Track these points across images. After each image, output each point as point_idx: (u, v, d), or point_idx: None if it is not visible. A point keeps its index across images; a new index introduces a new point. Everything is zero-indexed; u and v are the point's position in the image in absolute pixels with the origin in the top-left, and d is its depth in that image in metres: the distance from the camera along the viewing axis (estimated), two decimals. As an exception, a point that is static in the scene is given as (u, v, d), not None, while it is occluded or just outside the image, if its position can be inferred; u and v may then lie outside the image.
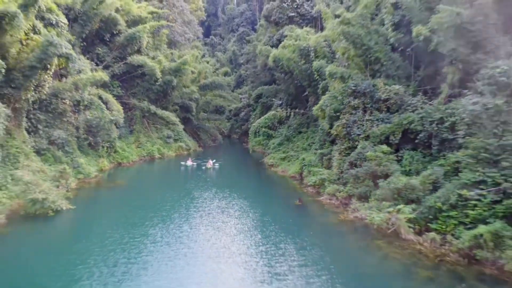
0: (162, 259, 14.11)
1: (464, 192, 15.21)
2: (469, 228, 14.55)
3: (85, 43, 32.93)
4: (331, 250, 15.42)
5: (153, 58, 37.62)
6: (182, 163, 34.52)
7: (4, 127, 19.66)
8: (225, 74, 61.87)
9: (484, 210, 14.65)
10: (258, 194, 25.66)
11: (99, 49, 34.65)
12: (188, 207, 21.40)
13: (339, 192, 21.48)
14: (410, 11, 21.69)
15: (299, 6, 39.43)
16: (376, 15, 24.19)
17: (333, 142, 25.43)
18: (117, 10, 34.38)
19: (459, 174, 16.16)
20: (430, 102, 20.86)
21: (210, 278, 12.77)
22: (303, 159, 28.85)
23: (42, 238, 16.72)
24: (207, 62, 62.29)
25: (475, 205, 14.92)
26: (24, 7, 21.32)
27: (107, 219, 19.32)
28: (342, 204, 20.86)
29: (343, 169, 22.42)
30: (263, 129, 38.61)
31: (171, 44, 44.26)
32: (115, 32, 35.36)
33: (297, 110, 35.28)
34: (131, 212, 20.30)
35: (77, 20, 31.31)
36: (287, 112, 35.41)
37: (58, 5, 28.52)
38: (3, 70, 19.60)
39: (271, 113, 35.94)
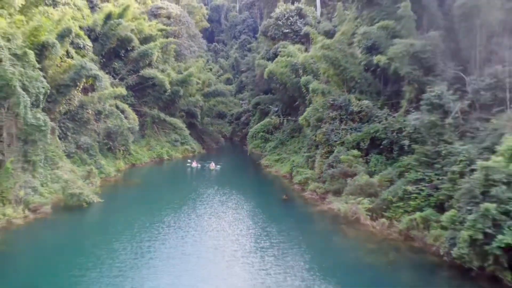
0: (175, 239, 18.79)
1: (408, 187, 19.77)
2: (410, 215, 19.09)
3: (104, 59, 37.68)
4: (305, 232, 20.02)
5: (162, 71, 42.34)
6: (188, 164, 39.12)
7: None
8: (227, 80, 66.47)
9: (422, 201, 19.14)
10: (253, 191, 30.27)
11: (116, 64, 39.44)
12: (194, 201, 26.04)
13: (319, 188, 26.02)
14: (378, 39, 26.19)
15: (292, 24, 43.95)
16: (352, 42, 28.61)
17: (317, 147, 29.96)
18: (131, 30, 39.13)
19: (406, 173, 20.71)
20: (394, 115, 25.35)
21: (211, 250, 17.38)
22: (293, 161, 33.41)
23: (82, 223, 21.46)
24: (211, 69, 66.90)
25: (416, 197, 19.41)
26: (61, 37, 26.07)
27: (130, 209, 24.02)
28: (321, 198, 25.39)
29: (323, 170, 26.93)
30: (261, 133, 43.25)
31: (178, 56, 49.00)
32: (129, 49, 40.14)
33: (290, 117, 39.88)
34: (148, 204, 24.98)
35: (97, 39, 36.05)
36: (280, 119, 40.06)
37: (81, 28, 33.31)
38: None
39: (266, 120, 40.59)
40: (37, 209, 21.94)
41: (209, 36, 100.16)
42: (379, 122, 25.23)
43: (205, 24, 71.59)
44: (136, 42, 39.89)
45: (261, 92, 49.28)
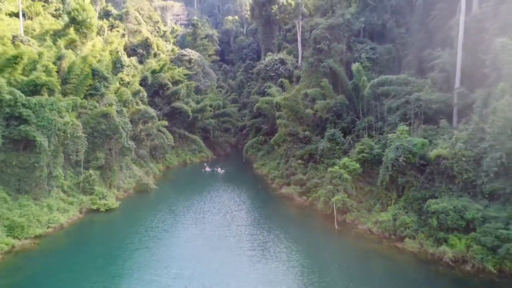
0: (199, 203, 38.40)
1: (317, 181, 38.86)
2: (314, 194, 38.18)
3: (150, 97, 57.56)
4: (265, 203, 39.37)
5: (186, 103, 61.99)
6: (203, 170, 58.27)
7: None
8: (233, 99, 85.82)
9: (321, 188, 38.26)
10: (243, 184, 49.60)
11: (156, 99, 59.34)
12: (208, 188, 45.61)
13: (279, 182, 45.30)
14: (315, 96, 45.20)
15: (276, 69, 63.07)
16: (303, 96, 47.56)
17: (281, 157, 49.21)
18: (167, 78, 59.04)
19: (318, 173, 39.81)
20: (320, 140, 44.41)
21: (217, 206, 36.85)
22: (271, 165, 52.68)
23: (150, 199, 41.28)
24: (221, 90, 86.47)
25: (319, 186, 38.53)
26: (134, 95, 45.85)
27: (173, 192, 43.74)
28: (280, 187, 44.62)
29: (283, 171, 46.26)
30: (254, 145, 62.50)
31: (197, 91, 68.61)
32: (165, 89, 60.01)
33: (272, 136, 59.04)
34: (182, 190, 44.63)
35: (146, 86, 55.91)
36: (265, 138, 59.34)
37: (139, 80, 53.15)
38: (127, 126, 44.16)
39: (255, 138, 60.00)
40: (126, 191, 41.80)
41: (220, 55, 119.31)
42: (314, 144, 44.34)
43: (215, 58, 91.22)
44: (169, 85, 59.73)
45: (256, 115, 68.56)
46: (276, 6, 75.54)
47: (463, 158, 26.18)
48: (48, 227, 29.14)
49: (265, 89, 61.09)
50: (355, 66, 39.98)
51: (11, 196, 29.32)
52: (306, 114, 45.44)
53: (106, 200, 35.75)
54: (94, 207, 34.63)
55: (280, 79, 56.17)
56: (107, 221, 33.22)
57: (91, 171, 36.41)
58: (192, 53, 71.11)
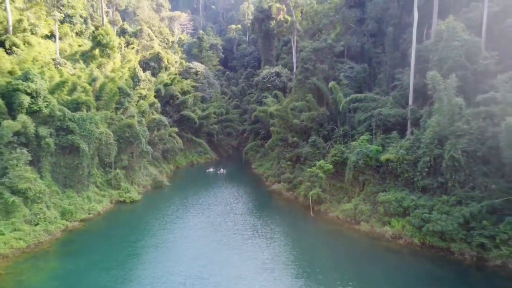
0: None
1: (302, 178, 47.40)
2: (299, 190, 46.71)
3: (162, 106, 66.36)
4: (258, 196, 48.00)
5: (193, 111, 70.74)
6: (207, 170, 66.91)
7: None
8: (235, 104, 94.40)
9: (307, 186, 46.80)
10: (242, 182, 58.25)
11: (167, 108, 68.15)
12: (212, 186, 54.32)
13: (272, 180, 53.90)
14: (302, 108, 53.64)
15: (273, 81, 71.59)
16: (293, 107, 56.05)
17: (274, 159, 57.80)
18: (177, 90, 67.91)
19: (303, 172, 48.35)
20: (306, 144, 52.91)
21: (220, 195, 45.57)
22: (266, 166, 61.27)
23: (165, 193, 50.08)
24: (224, 97, 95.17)
25: (302, 184, 47.07)
26: (150, 106, 54.69)
27: (183, 188, 52.51)
28: (272, 184, 53.20)
29: (275, 170, 54.84)
30: (254, 147, 71.08)
31: (203, 100, 77.48)
32: (175, 99, 68.81)
33: (267, 140, 67.57)
34: (190, 187, 53.37)
35: (160, 96, 64.74)
36: (262, 142, 67.90)
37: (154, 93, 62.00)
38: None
39: (253, 143, 68.60)
40: (145, 187, 50.60)
41: (224, 62, 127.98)
42: (300, 148, 52.83)
43: (219, 67, 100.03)
44: (179, 95, 68.53)
45: (255, 121, 77.20)
46: (274, 21, 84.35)
47: (405, 161, 34.66)
48: (89, 213, 37.99)
49: (262, 99, 69.67)
50: (331, 84, 48.52)
51: (60, 190, 38.17)
52: (294, 123, 53.94)
53: (130, 194, 44.54)
54: (121, 199, 43.46)
55: (275, 92, 64.66)
56: (132, 210, 42.02)
57: (117, 171, 45.23)
58: (198, 66, 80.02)
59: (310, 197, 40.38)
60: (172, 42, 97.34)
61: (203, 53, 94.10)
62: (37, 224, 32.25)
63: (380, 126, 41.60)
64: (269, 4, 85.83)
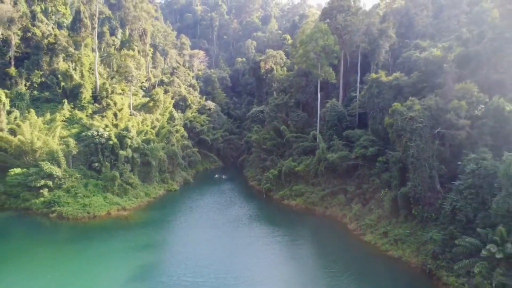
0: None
1: (264, 178, 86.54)
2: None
3: (188, 134, 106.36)
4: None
5: (207, 136, 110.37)
6: (215, 176, 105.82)
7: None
8: (238, 125, 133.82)
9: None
10: (235, 183, 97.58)
11: (191, 134, 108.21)
12: (218, 184, 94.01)
13: (252, 179, 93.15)
14: (269, 137, 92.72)
15: (258, 115, 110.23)
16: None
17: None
18: (197, 122, 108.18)
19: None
20: (269, 159, 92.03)
21: (220, 190, 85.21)
22: (252, 171, 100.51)
23: (191, 187, 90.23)
24: (229, 120, 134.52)
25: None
26: (182, 136, 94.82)
27: (201, 185, 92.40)
28: (252, 181, 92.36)
29: (254, 174, 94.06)
30: (246, 159, 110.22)
31: (213, 127, 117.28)
32: (196, 129, 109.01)
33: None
34: (206, 184, 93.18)
35: (186, 127, 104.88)
36: (250, 156, 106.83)
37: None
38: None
39: (245, 156, 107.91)
40: (179, 183, 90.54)
41: (232, 87, 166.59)
42: (267, 162, 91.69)
43: (226, 99, 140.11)
44: (198, 126, 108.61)
45: (246, 141, 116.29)
46: (263, 70, 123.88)
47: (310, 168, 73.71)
48: (156, 195, 78.17)
49: (251, 128, 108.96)
50: (283, 127, 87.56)
51: (141, 183, 78.34)
52: (265, 147, 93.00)
53: (173, 186, 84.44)
54: (169, 189, 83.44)
55: (256, 126, 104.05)
56: (176, 195, 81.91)
57: (167, 174, 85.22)
58: (211, 104, 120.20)
59: (263, 188, 79.65)
60: (192, 77, 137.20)
61: (215, 90, 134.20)
62: (137, 198, 72.64)
63: (301, 153, 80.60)
64: (260, 58, 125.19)
